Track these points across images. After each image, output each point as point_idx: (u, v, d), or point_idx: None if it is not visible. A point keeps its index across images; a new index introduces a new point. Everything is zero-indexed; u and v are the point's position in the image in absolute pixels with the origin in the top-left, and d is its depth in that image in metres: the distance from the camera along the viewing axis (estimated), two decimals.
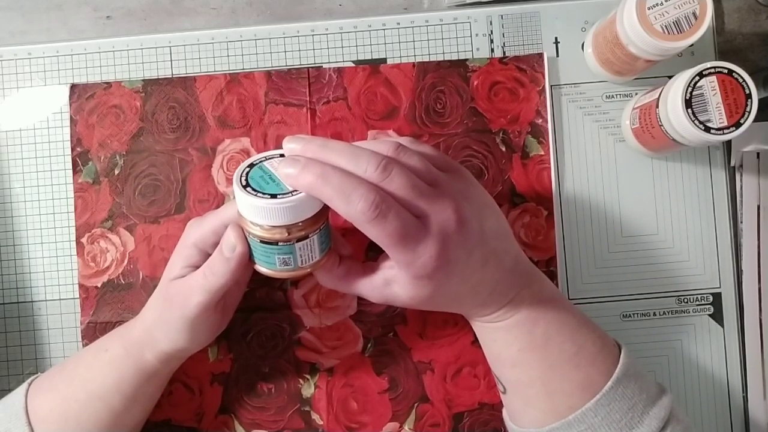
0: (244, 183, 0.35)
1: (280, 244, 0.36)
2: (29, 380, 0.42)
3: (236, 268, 0.37)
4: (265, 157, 0.37)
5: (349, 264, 0.39)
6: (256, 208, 0.34)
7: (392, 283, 0.37)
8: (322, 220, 0.36)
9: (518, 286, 0.39)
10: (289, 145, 0.35)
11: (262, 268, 0.38)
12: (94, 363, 0.42)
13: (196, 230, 0.40)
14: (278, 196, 0.34)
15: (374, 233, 0.33)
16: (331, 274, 0.39)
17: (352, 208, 0.33)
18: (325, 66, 0.49)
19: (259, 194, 0.34)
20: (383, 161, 0.34)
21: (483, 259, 0.37)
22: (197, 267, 0.40)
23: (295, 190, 0.34)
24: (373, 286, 0.38)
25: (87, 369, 0.41)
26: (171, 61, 0.49)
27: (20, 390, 0.41)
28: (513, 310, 0.39)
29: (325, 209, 0.36)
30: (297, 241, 0.36)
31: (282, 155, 0.36)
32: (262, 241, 0.36)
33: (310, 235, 0.36)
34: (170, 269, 0.41)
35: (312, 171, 0.33)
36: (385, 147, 0.35)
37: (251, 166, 0.37)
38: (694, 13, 0.40)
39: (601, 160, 0.48)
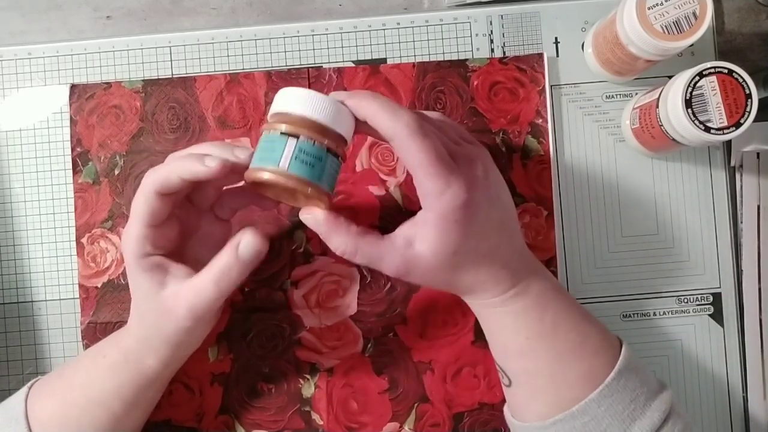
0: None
1: (308, 141, 0.34)
2: (29, 384, 0.42)
3: (251, 268, 0.38)
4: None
5: (365, 228, 0.38)
6: (302, 97, 0.35)
7: (415, 241, 0.36)
8: (345, 149, 0.37)
9: (527, 271, 0.40)
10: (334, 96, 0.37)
11: (261, 173, 0.34)
12: (93, 368, 0.41)
13: (156, 174, 0.37)
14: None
15: (415, 147, 0.34)
16: (345, 233, 0.37)
17: (398, 119, 0.34)
18: (325, 66, 0.49)
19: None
20: (420, 119, 0.35)
21: (500, 222, 0.38)
22: (158, 224, 0.38)
23: None
24: (394, 248, 0.36)
25: (86, 374, 0.41)
26: (171, 61, 0.49)
27: (20, 394, 0.41)
28: (522, 294, 0.39)
29: (347, 141, 0.36)
30: (326, 149, 0.35)
31: None
32: (291, 135, 0.34)
33: (337, 152, 0.36)
34: (130, 238, 0.38)
35: (363, 92, 0.36)
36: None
37: None
38: (694, 13, 0.40)
39: (601, 160, 0.48)
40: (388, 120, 0.34)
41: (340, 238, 0.37)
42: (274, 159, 0.34)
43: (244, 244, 0.37)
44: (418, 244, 0.36)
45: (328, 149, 0.35)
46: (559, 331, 0.39)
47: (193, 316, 0.38)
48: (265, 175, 0.34)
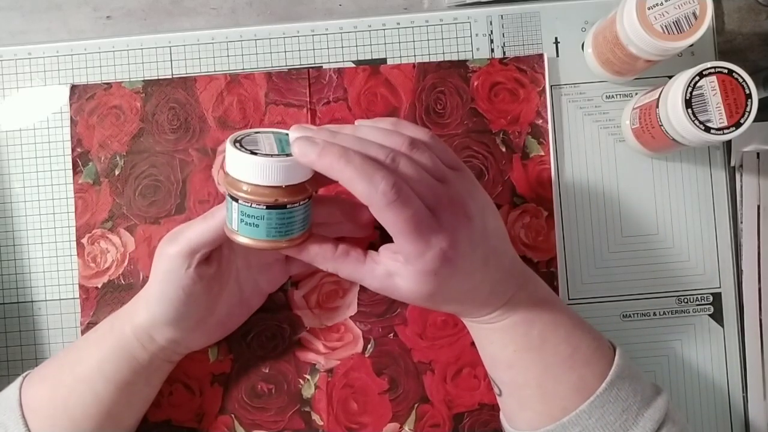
0: (238, 145, 0.35)
1: (267, 207, 0.35)
2: (24, 374, 0.42)
3: (215, 227, 0.37)
4: (255, 131, 0.37)
5: (348, 247, 0.38)
6: (249, 165, 0.34)
7: (395, 275, 0.36)
8: (309, 192, 0.36)
9: (515, 287, 0.39)
10: (297, 134, 0.35)
11: (242, 238, 0.36)
12: (83, 344, 0.42)
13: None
14: (272, 156, 0.34)
15: (392, 217, 0.33)
16: (326, 255, 0.38)
17: (374, 189, 0.32)
18: (325, 66, 0.49)
19: (253, 153, 0.34)
20: (392, 153, 0.34)
21: (485, 258, 0.37)
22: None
23: (288, 154, 0.34)
24: (374, 275, 0.37)
25: (76, 352, 0.42)
26: (171, 61, 0.49)
27: (15, 383, 0.41)
28: (509, 311, 0.39)
29: (312, 183, 0.36)
30: (286, 207, 0.35)
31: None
32: (247, 203, 0.35)
33: (300, 203, 0.36)
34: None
35: (332, 152, 0.33)
36: (399, 140, 0.35)
37: (241, 138, 0.36)
38: (694, 13, 0.40)
39: (601, 160, 0.48)
40: (365, 188, 0.32)
41: (323, 264, 0.38)
42: (229, 218, 0.36)
43: (214, 209, 0.38)
44: (398, 280, 0.37)
45: (273, 206, 0.35)
46: (547, 343, 0.39)
47: (167, 253, 0.38)
48: (245, 242, 0.36)
